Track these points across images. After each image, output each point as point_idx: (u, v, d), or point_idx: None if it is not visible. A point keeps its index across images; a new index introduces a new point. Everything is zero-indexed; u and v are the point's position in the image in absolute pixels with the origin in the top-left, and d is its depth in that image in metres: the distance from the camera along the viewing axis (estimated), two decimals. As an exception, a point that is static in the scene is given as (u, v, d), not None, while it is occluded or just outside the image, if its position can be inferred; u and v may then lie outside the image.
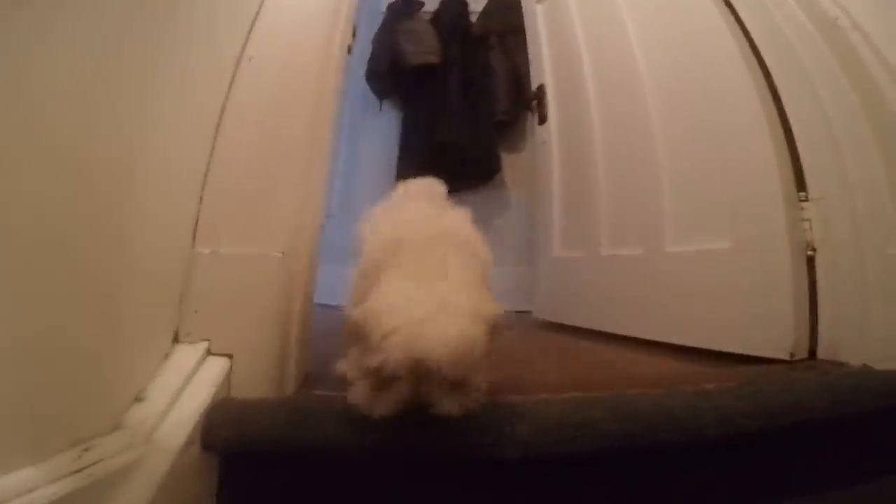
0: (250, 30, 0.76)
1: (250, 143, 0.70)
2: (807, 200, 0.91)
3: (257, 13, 0.78)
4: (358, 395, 0.54)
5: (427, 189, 0.84)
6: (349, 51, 0.90)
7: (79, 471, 0.42)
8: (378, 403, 0.51)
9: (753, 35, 1.03)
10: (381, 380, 0.50)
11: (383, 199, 0.80)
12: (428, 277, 0.54)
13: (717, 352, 0.97)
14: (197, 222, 0.66)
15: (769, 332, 0.89)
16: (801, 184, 0.92)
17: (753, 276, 0.93)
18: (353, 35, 0.91)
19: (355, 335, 0.52)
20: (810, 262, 0.89)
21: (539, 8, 1.73)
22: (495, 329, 0.53)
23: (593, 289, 1.34)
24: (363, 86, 2.37)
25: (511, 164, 2.25)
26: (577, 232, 1.45)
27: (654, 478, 0.62)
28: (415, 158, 2.16)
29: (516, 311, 1.74)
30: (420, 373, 0.47)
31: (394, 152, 2.28)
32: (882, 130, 0.82)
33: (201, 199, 0.66)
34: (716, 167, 1.04)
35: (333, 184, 2.50)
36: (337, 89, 0.84)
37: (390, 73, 2.21)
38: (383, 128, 2.38)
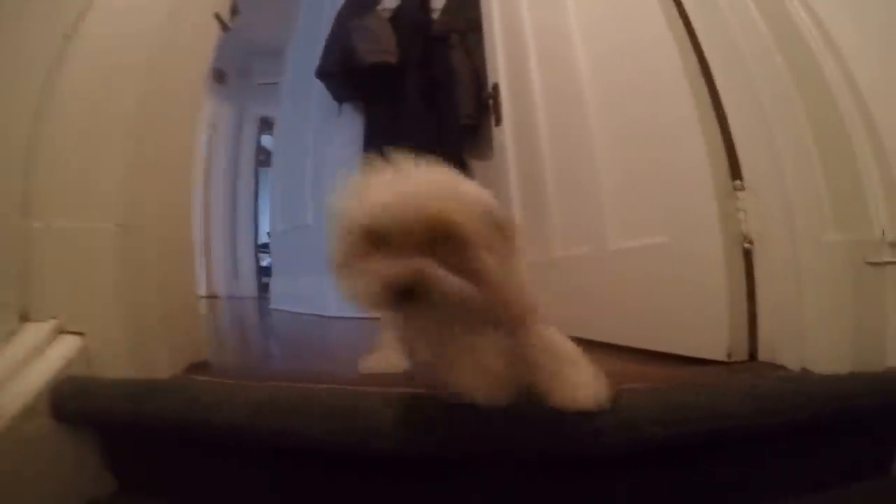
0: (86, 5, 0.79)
1: (79, 114, 0.74)
2: (742, 189, 0.91)
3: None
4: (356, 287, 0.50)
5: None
6: (225, 27, 0.94)
7: None
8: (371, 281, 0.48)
9: (691, 17, 1.01)
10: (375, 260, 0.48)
11: None
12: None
13: (662, 353, 0.98)
14: (27, 196, 0.70)
15: (706, 333, 0.90)
16: (736, 172, 0.92)
17: (689, 271, 0.95)
18: (235, 12, 0.95)
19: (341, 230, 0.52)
20: (748, 255, 0.89)
21: (495, -1, 1.76)
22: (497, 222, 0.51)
23: (547, 291, 1.36)
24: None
25: (480, 171, 2.24)
26: (534, 236, 1.48)
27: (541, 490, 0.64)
28: (377, 166, 2.18)
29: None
30: (409, 225, 0.46)
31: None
32: (816, 115, 0.82)
33: (28, 172, 0.70)
34: (653, 153, 1.05)
35: (305, 193, 2.62)
36: (195, 57, 0.89)
37: (342, 74, 2.22)
38: (349, 133, 2.39)
